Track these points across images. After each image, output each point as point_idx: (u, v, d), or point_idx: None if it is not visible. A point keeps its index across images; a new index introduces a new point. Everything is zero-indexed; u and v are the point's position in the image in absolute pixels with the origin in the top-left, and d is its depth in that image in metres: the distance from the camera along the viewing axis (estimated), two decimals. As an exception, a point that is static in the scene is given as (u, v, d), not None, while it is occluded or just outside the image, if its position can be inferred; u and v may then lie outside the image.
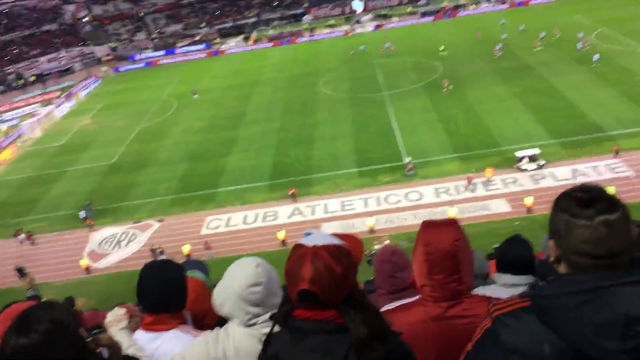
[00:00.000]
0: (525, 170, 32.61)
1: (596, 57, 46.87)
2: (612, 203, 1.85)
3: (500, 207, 30.22)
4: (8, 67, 77.79)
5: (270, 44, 78.46)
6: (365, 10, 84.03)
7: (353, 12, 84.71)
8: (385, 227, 29.98)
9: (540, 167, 32.53)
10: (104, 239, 34.10)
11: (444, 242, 2.64)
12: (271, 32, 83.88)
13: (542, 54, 51.85)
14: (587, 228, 1.81)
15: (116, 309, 3.45)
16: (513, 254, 3.98)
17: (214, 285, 2.79)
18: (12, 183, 44.84)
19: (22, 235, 34.68)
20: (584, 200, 1.85)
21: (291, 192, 34.39)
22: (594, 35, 54.77)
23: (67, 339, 2.05)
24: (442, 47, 58.69)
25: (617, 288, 1.75)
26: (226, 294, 2.62)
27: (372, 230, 29.52)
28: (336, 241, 2.24)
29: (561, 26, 58.18)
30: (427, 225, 2.78)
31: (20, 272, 26.57)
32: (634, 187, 29.19)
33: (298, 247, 2.22)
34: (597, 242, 1.81)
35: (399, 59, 59.09)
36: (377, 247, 25.73)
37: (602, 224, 1.80)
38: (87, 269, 31.05)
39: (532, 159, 32.77)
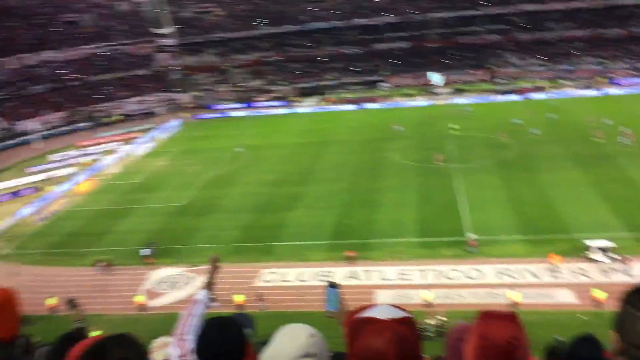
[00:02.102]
0: (595, 261, 31.11)
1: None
2: None
3: (566, 297, 28.80)
4: (99, 105, 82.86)
5: (347, 107, 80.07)
6: (445, 83, 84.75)
7: (431, 83, 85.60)
8: (441, 303, 29.10)
9: (613, 260, 30.95)
10: (162, 278, 34.82)
11: (500, 338, 2.43)
12: (348, 95, 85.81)
13: (624, 145, 50.25)
14: None
15: (163, 338, 3.60)
16: (583, 356, 3.66)
17: (261, 344, 2.69)
18: (86, 214, 46.93)
19: (98, 269, 35.94)
20: None
21: (349, 254, 34.18)
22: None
23: None
24: (520, 121, 58.44)
25: None
26: None
27: (428, 304, 28.71)
28: (403, 313, 2.15)
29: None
30: (485, 316, 2.61)
31: (71, 303, 27.31)
32: None
33: (370, 321, 2.10)
34: None
35: (473, 134, 58.77)
36: (429, 321, 24.98)
37: None
38: (141, 306, 31.63)
39: (604, 250, 31.27)
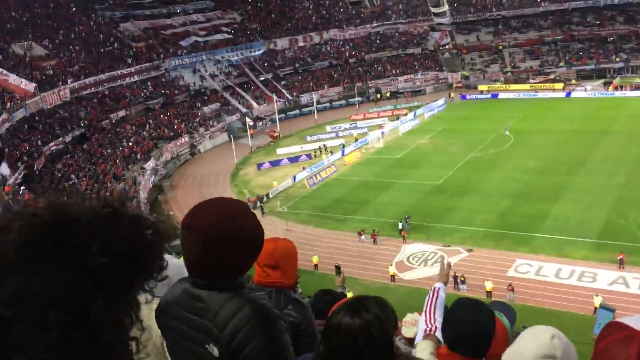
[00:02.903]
0: None
1: None
2: None
3: None
4: (371, 82, 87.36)
5: (635, 93, 70.72)
6: None
7: None
8: None
9: None
10: (413, 253, 35.65)
11: None
12: (637, 80, 75.60)
13: None
14: None
15: (412, 315, 3.78)
16: None
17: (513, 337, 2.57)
18: (350, 183, 50.31)
19: (364, 237, 37.90)
20: None
21: (619, 257, 30.54)
22: None
23: (380, 337, 2.15)
24: None
25: None
26: None
27: None
28: None
29: None
30: None
31: (338, 269, 29.58)
32: None
33: (619, 326, 1.86)
34: None
35: None
36: None
37: None
38: (393, 277, 32.93)
39: None
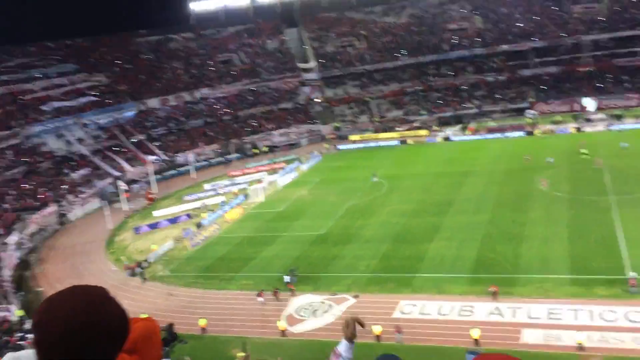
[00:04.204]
0: None
1: None
2: None
3: None
4: (246, 138, 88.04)
5: (490, 136, 77.40)
6: (598, 108, 79.03)
7: (583, 109, 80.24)
8: (596, 346, 26.59)
9: None
10: (302, 305, 35.58)
11: None
12: (491, 124, 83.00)
13: None
14: None
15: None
16: None
17: None
18: (233, 240, 49.61)
19: (263, 298, 36.22)
20: None
21: (492, 289, 32.55)
22: None
23: None
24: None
25: None
26: None
27: (580, 347, 26.39)
28: None
29: None
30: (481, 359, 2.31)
31: (244, 345, 28.53)
32: None
33: None
34: None
35: (633, 162, 53.88)
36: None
37: None
38: (283, 332, 32.51)
39: None
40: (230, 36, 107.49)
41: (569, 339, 27.25)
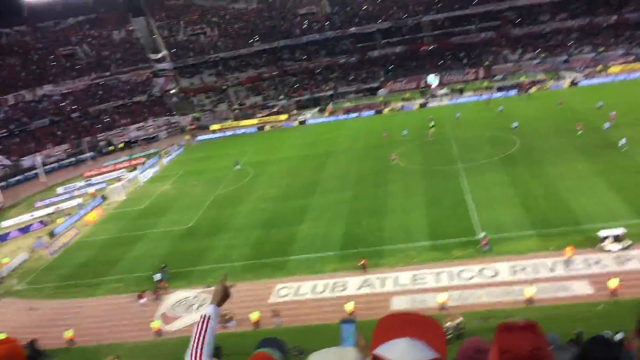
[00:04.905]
0: (609, 251, 30.86)
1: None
2: None
3: (582, 289, 28.53)
4: (100, 135, 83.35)
5: (346, 116, 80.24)
6: (441, 84, 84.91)
7: (428, 85, 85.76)
8: (457, 304, 28.90)
9: (626, 248, 30.72)
10: (177, 302, 34.74)
11: (523, 350, 2.38)
12: (347, 104, 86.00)
13: (627, 130, 49.93)
14: None
15: None
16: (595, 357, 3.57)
17: None
18: (95, 244, 46.99)
19: (144, 300, 34.97)
20: None
21: (361, 263, 34.05)
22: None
23: None
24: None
25: None
26: None
27: (443, 307, 28.53)
28: (431, 355, 2.10)
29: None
30: (504, 328, 2.51)
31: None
32: None
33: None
34: None
35: (475, 133, 58.72)
36: (448, 324, 24.75)
37: None
38: (158, 332, 31.55)
39: (617, 239, 31.02)
40: (71, 28, 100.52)
41: (433, 300, 29.32)
